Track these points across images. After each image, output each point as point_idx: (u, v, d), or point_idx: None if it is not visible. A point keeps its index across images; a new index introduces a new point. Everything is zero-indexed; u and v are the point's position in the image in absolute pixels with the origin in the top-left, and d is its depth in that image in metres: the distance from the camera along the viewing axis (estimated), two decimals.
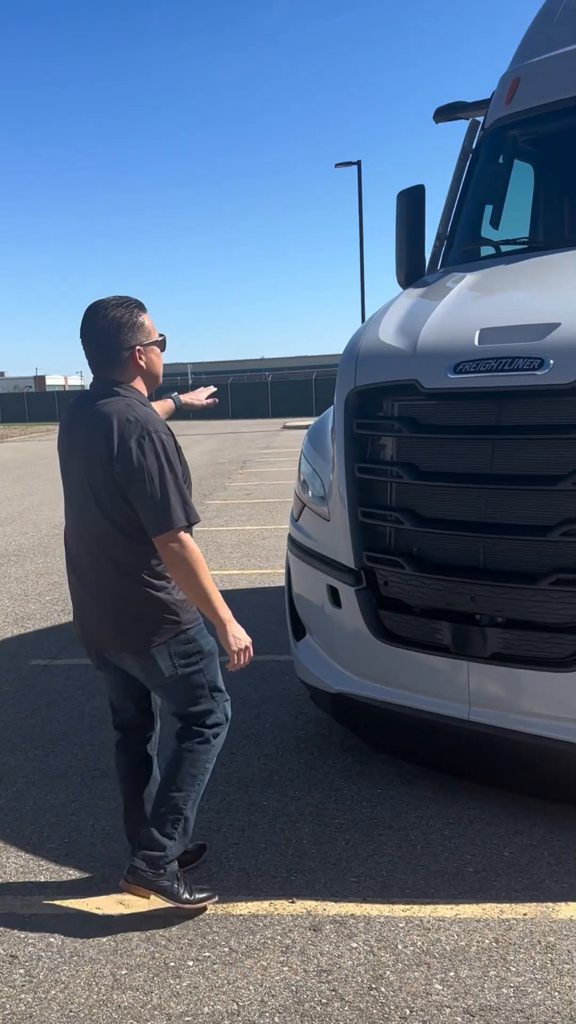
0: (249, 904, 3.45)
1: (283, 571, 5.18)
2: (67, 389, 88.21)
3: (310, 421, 9.72)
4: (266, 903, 3.46)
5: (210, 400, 4.22)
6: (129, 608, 3.31)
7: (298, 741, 4.94)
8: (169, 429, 3.30)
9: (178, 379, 54.06)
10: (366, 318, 4.93)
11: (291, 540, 4.91)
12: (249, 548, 10.68)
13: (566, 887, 3.50)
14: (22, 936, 3.32)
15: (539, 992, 2.90)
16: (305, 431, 5.06)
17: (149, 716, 3.67)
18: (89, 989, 3.01)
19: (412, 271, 5.85)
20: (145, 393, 3.42)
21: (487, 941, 3.19)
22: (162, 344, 3.46)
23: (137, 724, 3.66)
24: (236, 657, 3.30)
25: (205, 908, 3.43)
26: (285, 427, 36.80)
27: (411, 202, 5.93)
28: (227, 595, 3.62)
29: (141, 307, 3.41)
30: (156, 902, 3.44)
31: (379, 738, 4.53)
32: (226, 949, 3.19)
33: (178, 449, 3.32)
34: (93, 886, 3.63)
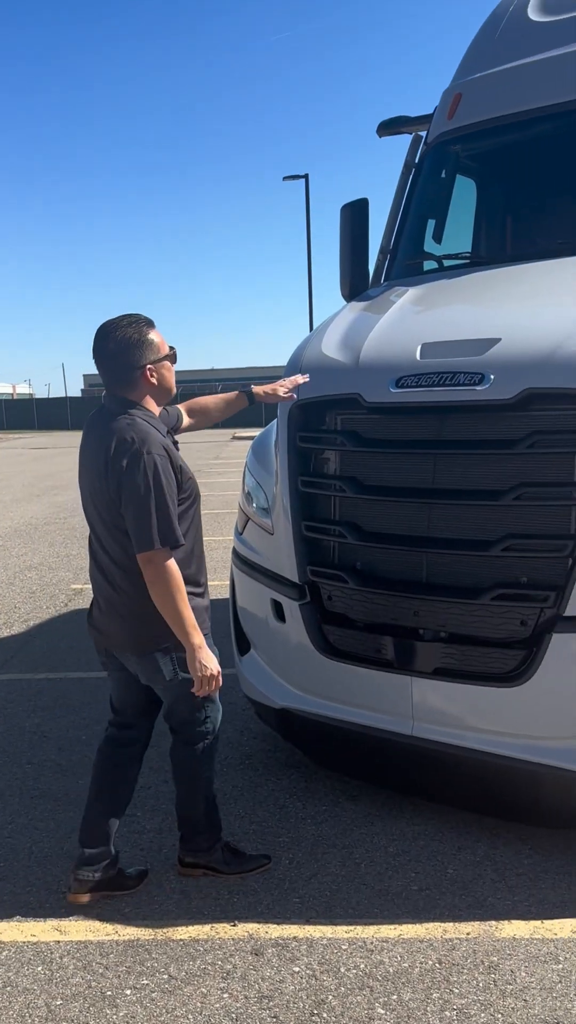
0: (189, 928, 3.38)
1: (228, 584, 5.12)
2: (15, 397, 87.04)
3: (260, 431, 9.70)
4: (207, 927, 3.39)
5: (289, 395, 4.14)
6: (135, 611, 3.42)
7: (243, 757, 4.87)
8: (167, 449, 3.37)
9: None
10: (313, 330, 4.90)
11: (235, 554, 4.86)
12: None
13: (508, 904, 3.48)
14: None
15: (482, 1015, 2.87)
16: (249, 442, 5.02)
17: (146, 721, 3.75)
18: (22, 1021, 2.91)
19: (356, 284, 5.85)
20: (156, 409, 3.55)
21: (430, 962, 3.15)
22: (172, 357, 3.55)
23: (131, 724, 3.73)
24: (199, 684, 3.37)
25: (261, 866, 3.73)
26: (235, 438, 36.72)
27: (355, 215, 5.94)
28: None
29: (150, 324, 3.50)
30: (94, 928, 3.37)
31: (324, 754, 4.48)
32: (165, 976, 3.11)
33: (177, 468, 3.39)
34: (29, 912, 3.52)
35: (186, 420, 4.03)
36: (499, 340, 3.82)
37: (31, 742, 5.21)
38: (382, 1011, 2.90)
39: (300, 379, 4.16)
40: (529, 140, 5.37)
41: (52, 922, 3.44)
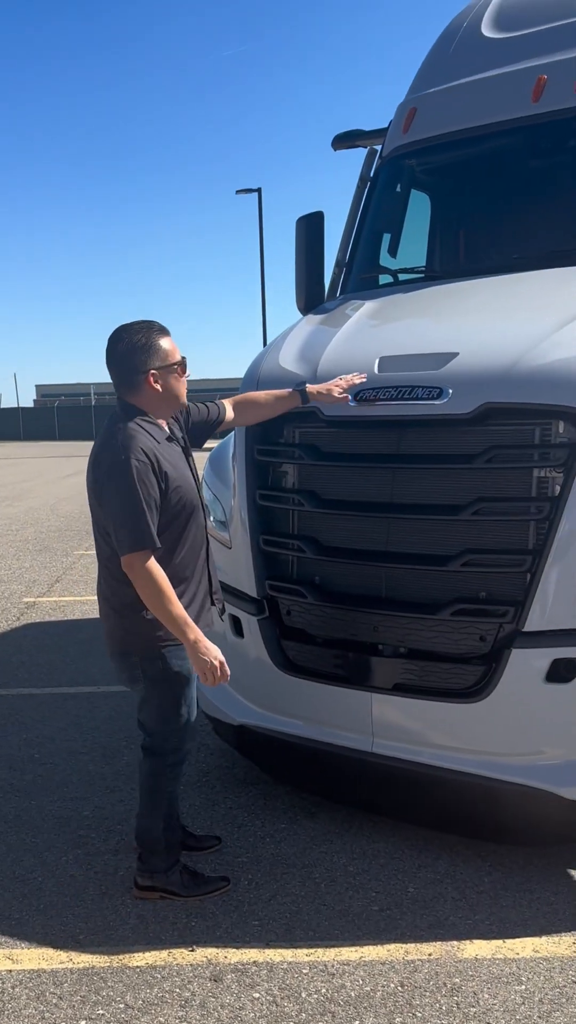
0: (146, 954, 3.30)
1: None
2: None
3: (214, 444, 9.56)
4: (164, 952, 3.31)
5: (344, 395, 3.90)
6: (111, 612, 3.56)
7: (200, 774, 4.80)
8: (150, 455, 3.35)
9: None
10: (267, 343, 4.86)
11: None
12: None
13: (470, 923, 3.45)
14: None
15: None
16: (207, 454, 4.95)
17: None
18: None
19: (312, 297, 5.84)
20: (160, 416, 3.56)
21: (392, 985, 3.11)
22: (182, 366, 3.55)
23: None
24: (203, 675, 3.40)
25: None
26: None
27: (310, 228, 5.93)
28: None
29: (162, 331, 3.53)
30: (48, 956, 3.28)
31: (283, 771, 4.43)
32: (121, 1005, 3.03)
33: (161, 475, 3.36)
34: None
35: (230, 414, 3.96)
36: (457, 354, 3.80)
37: None
38: None
39: (356, 379, 3.93)
40: (483, 155, 5.39)
41: (4, 950, 3.34)
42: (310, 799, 4.41)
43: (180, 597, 3.42)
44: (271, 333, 33.68)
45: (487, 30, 5.54)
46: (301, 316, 5.99)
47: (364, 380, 3.93)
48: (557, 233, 5.04)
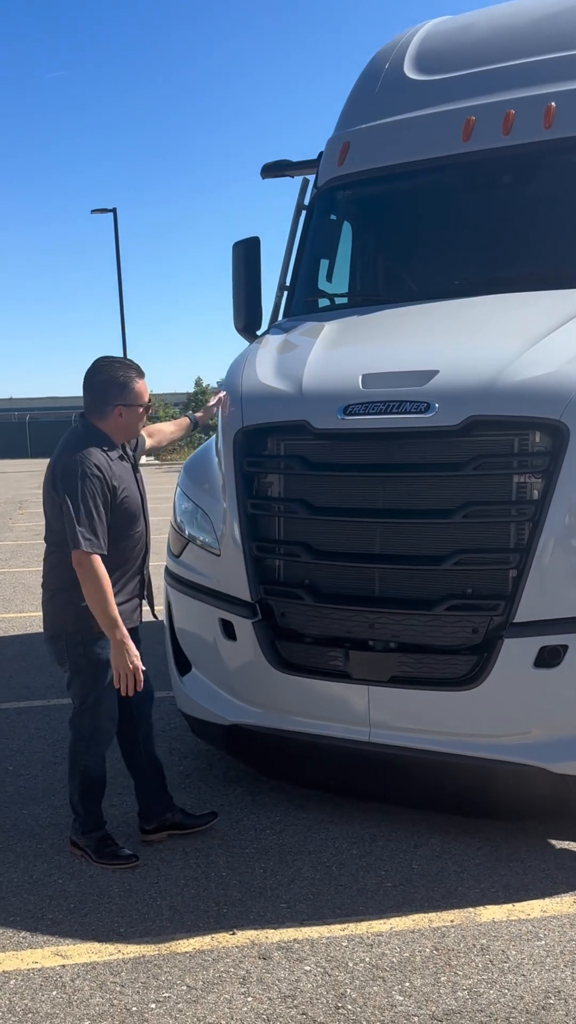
0: (191, 940, 3.47)
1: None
2: None
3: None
4: (207, 937, 3.49)
5: (218, 401, 4.73)
6: (48, 599, 4.09)
7: (182, 776, 4.96)
8: (102, 469, 3.87)
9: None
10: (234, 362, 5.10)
11: (172, 576, 4.94)
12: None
13: (478, 892, 3.77)
14: None
15: (491, 991, 3.13)
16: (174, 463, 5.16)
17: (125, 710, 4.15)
18: None
19: (251, 320, 6.16)
20: (119, 439, 4.07)
21: (427, 950, 3.38)
22: (146, 409, 4.11)
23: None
24: (118, 676, 3.86)
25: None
26: None
27: (248, 253, 6.23)
28: None
29: (139, 374, 4.08)
30: (96, 950, 3.41)
31: (277, 766, 4.64)
32: (183, 988, 3.20)
33: (111, 488, 3.89)
34: (21, 941, 3.51)
35: (148, 441, 4.58)
36: (437, 372, 4.14)
37: None
38: (400, 998, 3.11)
39: (222, 394, 4.74)
40: (418, 188, 5.80)
41: (50, 948, 3.45)
42: (296, 792, 4.65)
43: (118, 590, 3.95)
44: (132, 352, 33.66)
45: (410, 72, 5.98)
46: (240, 335, 6.31)
47: (227, 397, 4.68)
48: (494, 261, 5.50)
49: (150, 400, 4.15)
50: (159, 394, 40.27)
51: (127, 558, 4.05)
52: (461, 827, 4.26)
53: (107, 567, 3.85)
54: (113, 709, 4.08)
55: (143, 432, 4.41)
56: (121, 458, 4.07)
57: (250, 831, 4.32)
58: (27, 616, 8.97)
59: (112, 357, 4.15)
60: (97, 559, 3.77)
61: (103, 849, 4.07)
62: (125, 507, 3.97)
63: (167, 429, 4.85)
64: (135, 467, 4.20)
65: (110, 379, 4.01)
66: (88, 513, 3.77)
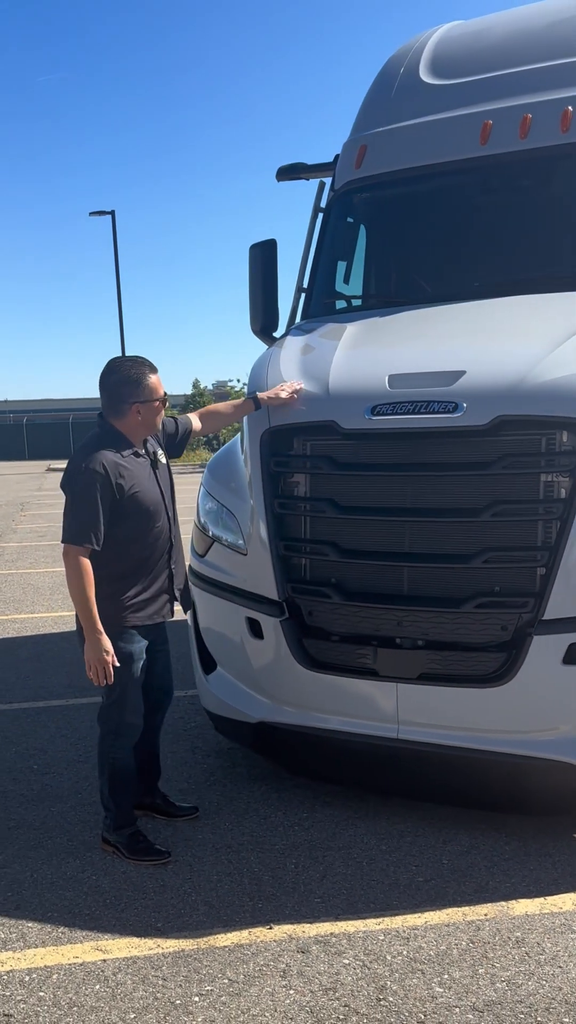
0: (228, 935, 3.51)
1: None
2: None
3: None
4: (245, 932, 3.52)
5: (292, 397, 4.50)
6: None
7: (206, 774, 4.99)
8: (108, 468, 3.93)
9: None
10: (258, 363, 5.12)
11: (196, 575, 4.97)
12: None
13: (509, 886, 3.80)
14: (7, 994, 3.20)
15: (529, 983, 3.17)
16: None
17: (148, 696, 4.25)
18: None
19: (268, 321, 6.22)
20: (134, 439, 4.11)
21: (464, 943, 3.42)
22: (162, 402, 4.12)
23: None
24: (89, 666, 3.94)
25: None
26: (50, 469, 35.95)
27: (264, 255, 6.27)
28: (74, 637, 4.21)
29: (152, 369, 4.11)
30: (135, 944, 3.44)
31: (304, 763, 4.67)
32: (225, 981, 3.23)
33: (116, 487, 3.93)
34: (61, 936, 3.54)
35: (196, 424, 4.59)
36: (464, 372, 4.18)
37: None
38: (440, 990, 3.15)
39: (296, 385, 4.55)
40: (436, 190, 5.84)
41: (89, 943, 3.48)
42: (320, 789, 4.69)
43: (135, 587, 4.06)
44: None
45: (426, 76, 6.04)
46: (256, 337, 6.37)
47: (301, 387, 4.52)
48: (512, 264, 5.54)
49: (166, 393, 4.17)
50: None
51: (147, 555, 4.10)
52: (488, 823, 4.30)
53: (125, 563, 4.00)
54: (138, 703, 4.14)
55: (190, 417, 4.54)
56: (136, 455, 4.11)
57: (278, 827, 4.35)
58: (39, 617, 8.99)
59: (124, 356, 4.21)
60: (83, 554, 3.87)
61: (135, 845, 4.10)
62: (136, 504, 4.00)
63: (224, 410, 4.74)
64: (155, 463, 4.20)
65: (123, 378, 4.05)
66: (80, 509, 3.88)
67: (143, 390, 4.05)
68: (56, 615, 8.98)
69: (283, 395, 4.49)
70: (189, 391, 50.74)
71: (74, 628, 4.12)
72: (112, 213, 35.36)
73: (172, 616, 4.28)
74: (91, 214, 35.39)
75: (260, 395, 4.55)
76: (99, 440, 4.06)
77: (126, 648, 4.02)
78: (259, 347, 6.17)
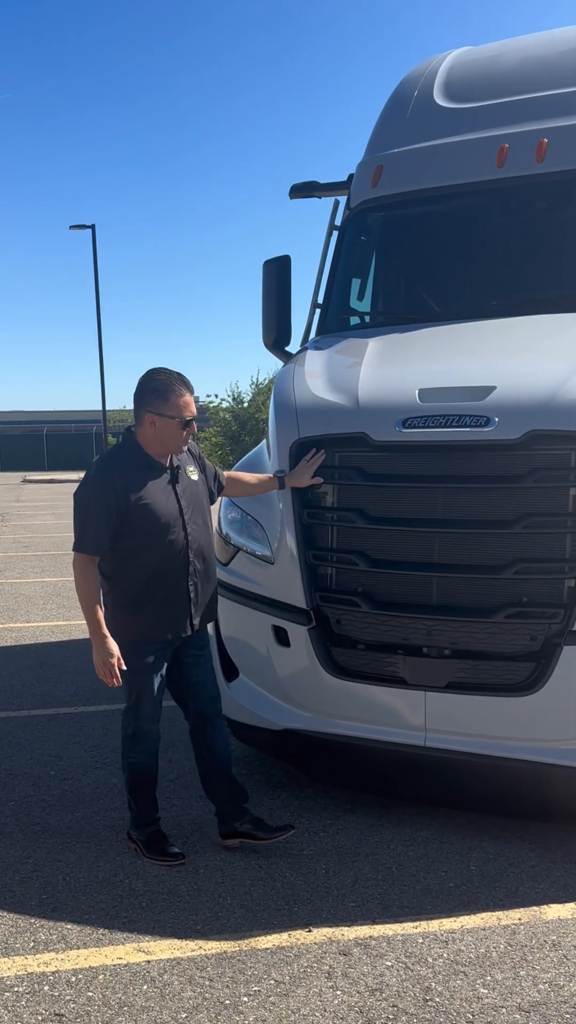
0: (269, 937, 3.54)
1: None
2: None
3: (50, 475, 9.38)
4: (284, 935, 3.56)
5: (317, 479, 4.47)
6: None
7: None
8: (115, 479, 3.95)
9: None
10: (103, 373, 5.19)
11: (219, 584, 5.00)
12: (61, 599, 10.42)
13: (539, 892, 3.87)
14: (56, 994, 3.22)
15: (571, 984, 3.23)
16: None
17: (189, 705, 4.33)
18: None
19: (281, 336, 6.33)
20: (153, 452, 4.08)
21: (502, 946, 3.48)
22: (180, 422, 4.02)
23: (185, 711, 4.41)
24: (97, 668, 3.98)
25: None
26: (26, 480, 35.77)
27: (279, 271, 6.38)
28: (75, 646, 4.09)
29: (183, 384, 4.06)
30: (177, 946, 3.47)
31: (328, 770, 4.71)
32: (272, 982, 3.26)
33: (123, 499, 3.93)
34: (102, 939, 3.56)
35: (227, 487, 4.58)
36: (495, 388, 4.27)
37: (7, 780, 5.11)
38: (485, 991, 3.20)
39: (316, 462, 4.49)
40: (453, 211, 5.97)
41: (131, 944, 3.49)
42: (342, 796, 4.74)
43: (147, 600, 4.04)
44: (109, 369, 33.53)
45: (440, 99, 6.19)
46: (269, 351, 6.46)
47: (323, 459, 4.47)
48: (528, 283, 5.67)
49: (192, 418, 4.07)
50: None
51: (163, 568, 4.04)
52: (511, 830, 4.37)
53: (136, 574, 4.02)
54: (153, 712, 4.17)
55: (224, 477, 4.52)
56: (150, 467, 4.06)
57: (304, 833, 4.39)
58: (36, 626, 8.96)
59: (164, 368, 4.10)
60: (88, 562, 3.96)
61: (152, 844, 4.18)
62: (145, 516, 3.96)
63: (249, 481, 4.63)
64: (176, 478, 4.12)
65: (147, 386, 4.04)
66: (84, 516, 3.96)
67: (162, 402, 3.98)
68: (52, 624, 8.95)
69: (307, 477, 4.47)
70: None
71: (73, 638, 4.17)
72: (92, 227, 35.48)
73: (190, 632, 4.16)
74: (71, 227, 35.50)
75: (286, 479, 4.52)
76: (115, 451, 4.19)
77: (137, 660, 4.04)
78: (248, 365, 6.29)
